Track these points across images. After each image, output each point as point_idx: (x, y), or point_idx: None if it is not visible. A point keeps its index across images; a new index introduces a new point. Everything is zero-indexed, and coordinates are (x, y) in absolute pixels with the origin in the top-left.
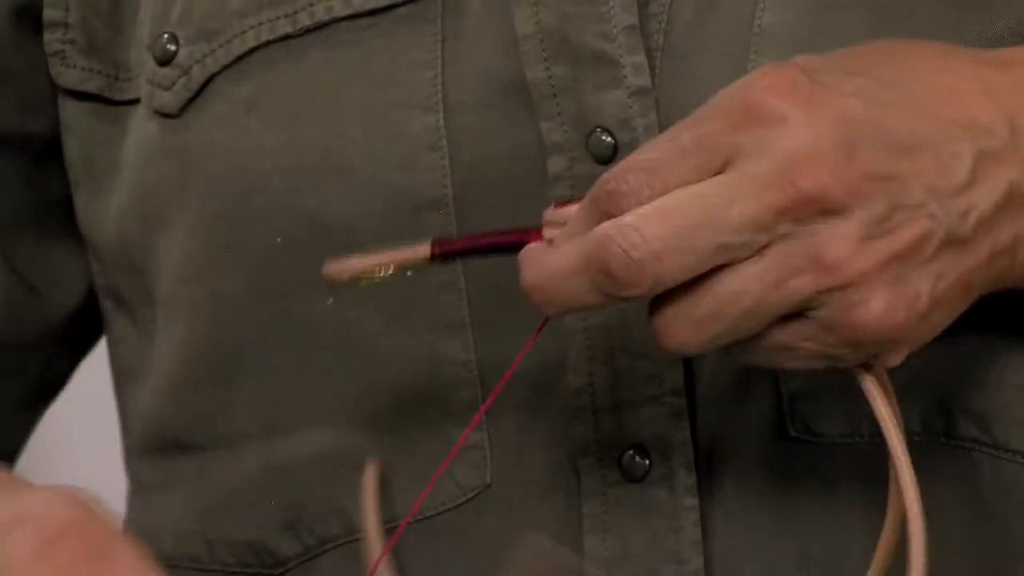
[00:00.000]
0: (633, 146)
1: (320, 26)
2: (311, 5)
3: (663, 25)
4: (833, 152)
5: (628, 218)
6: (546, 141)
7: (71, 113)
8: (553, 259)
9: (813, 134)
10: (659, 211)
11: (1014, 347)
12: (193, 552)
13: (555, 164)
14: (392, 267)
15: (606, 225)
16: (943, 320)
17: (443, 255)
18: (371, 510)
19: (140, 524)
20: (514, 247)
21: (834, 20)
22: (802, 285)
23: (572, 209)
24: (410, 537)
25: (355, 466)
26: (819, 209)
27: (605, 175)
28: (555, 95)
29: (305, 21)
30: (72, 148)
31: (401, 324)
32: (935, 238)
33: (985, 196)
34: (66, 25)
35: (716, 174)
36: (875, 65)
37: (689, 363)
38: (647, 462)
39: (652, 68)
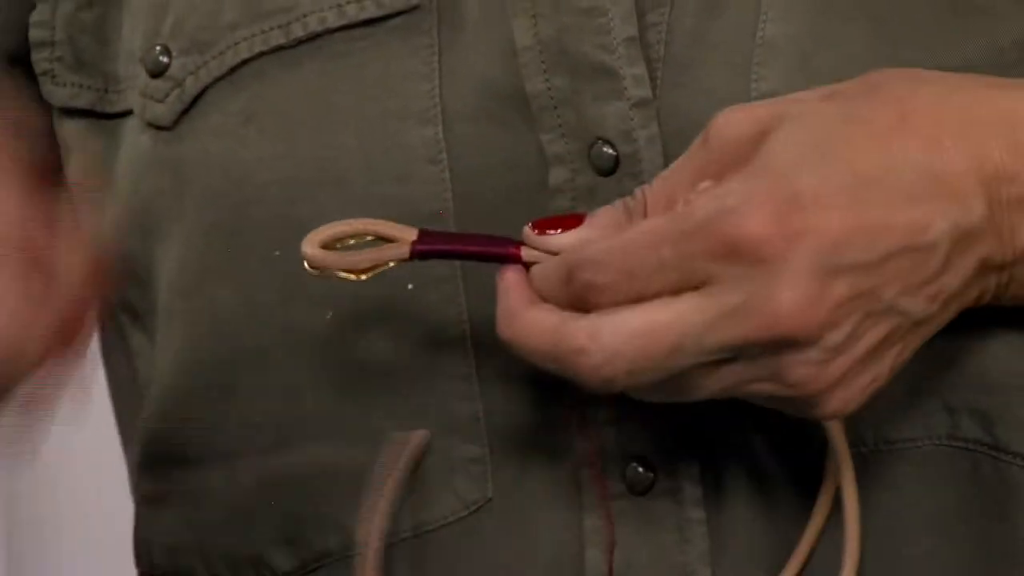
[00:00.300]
0: (635, 157)
1: (313, 37)
2: (304, 16)
3: (663, 35)
4: (808, 293)
5: (606, 338)
6: (547, 153)
7: (69, 132)
8: (528, 330)
9: (790, 276)
10: (635, 334)
11: (1016, 348)
12: (190, 566)
13: (556, 176)
14: (369, 266)
15: (581, 335)
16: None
17: (422, 254)
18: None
19: (141, 537)
20: (494, 259)
21: (836, 31)
22: (764, 389)
23: (552, 242)
24: (411, 551)
25: (354, 480)
26: (787, 345)
27: (589, 255)
28: (555, 107)
29: (298, 32)
30: (74, 168)
31: (401, 337)
32: (900, 331)
33: (956, 277)
34: (52, 44)
35: (692, 288)
36: (862, 152)
37: None
38: (651, 474)
39: (653, 79)
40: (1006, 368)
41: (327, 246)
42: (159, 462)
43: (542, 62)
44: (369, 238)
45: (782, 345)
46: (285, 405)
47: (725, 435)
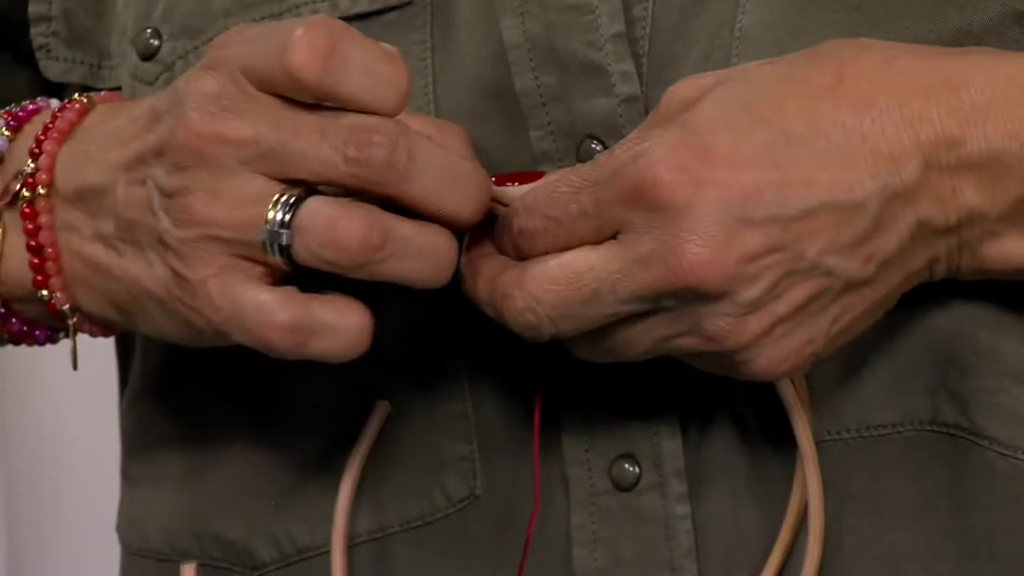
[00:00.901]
0: None
1: None
2: (297, 7)
3: (647, 31)
4: (713, 243)
5: (529, 284)
6: (536, 150)
7: None
8: (476, 278)
9: (695, 224)
10: (554, 281)
11: (997, 333)
12: (183, 546)
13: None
14: None
15: (510, 281)
16: (849, 338)
17: None
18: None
19: (130, 518)
20: None
21: (812, 18)
22: (688, 344)
23: (508, 193)
24: (399, 547)
25: (337, 473)
26: (697, 295)
27: (524, 201)
28: (544, 104)
29: None
30: None
31: (391, 333)
32: (831, 291)
33: (888, 240)
34: (49, 19)
35: (611, 236)
36: (792, 111)
37: (677, 371)
38: (637, 470)
39: (639, 75)
40: (982, 351)
41: None
42: (152, 444)
43: (531, 60)
44: None
45: (693, 296)
46: (277, 395)
47: (710, 430)
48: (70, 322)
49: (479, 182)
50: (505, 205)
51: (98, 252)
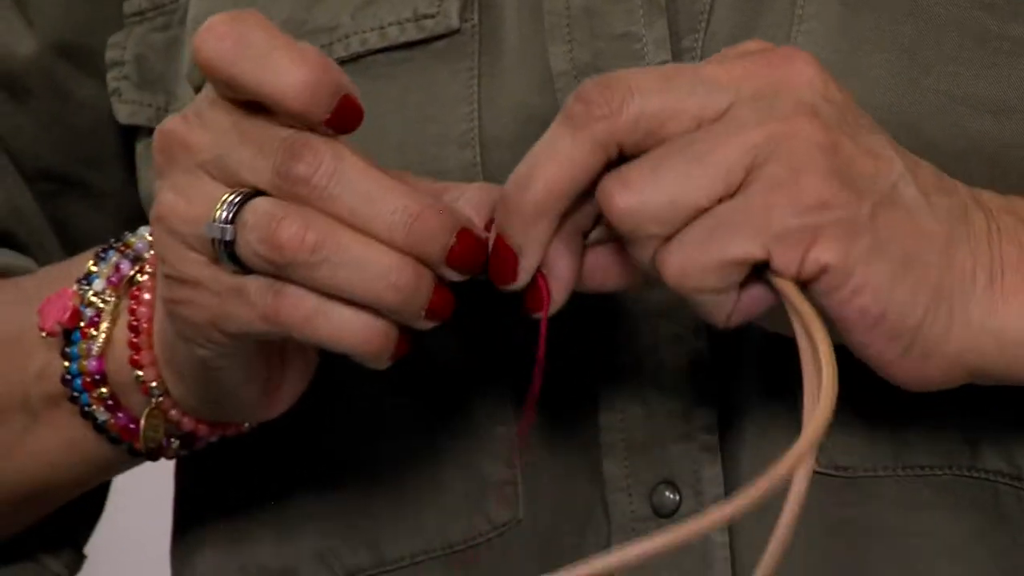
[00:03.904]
0: None
1: (356, 58)
2: (347, 37)
3: (696, 61)
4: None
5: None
6: None
7: (137, 151)
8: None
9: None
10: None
11: None
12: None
13: None
14: None
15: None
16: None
17: None
18: None
19: (179, 553)
20: None
21: (865, 59)
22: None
23: None
24: (439, 571)
25: (392, 498)
26: None
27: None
28: None
29: (340, 53)
30: (144, 182)
31: (437, 360)
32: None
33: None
34: (123, 63)
35: None
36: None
37: (719, 400)
38: (677, 497)
39: None
40: None
41: None
42: (201, 470)
43: None
44: None
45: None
46: (325, 421)
47: (749, 459)
48: (154, 401)
49: (408, 208)
50: None
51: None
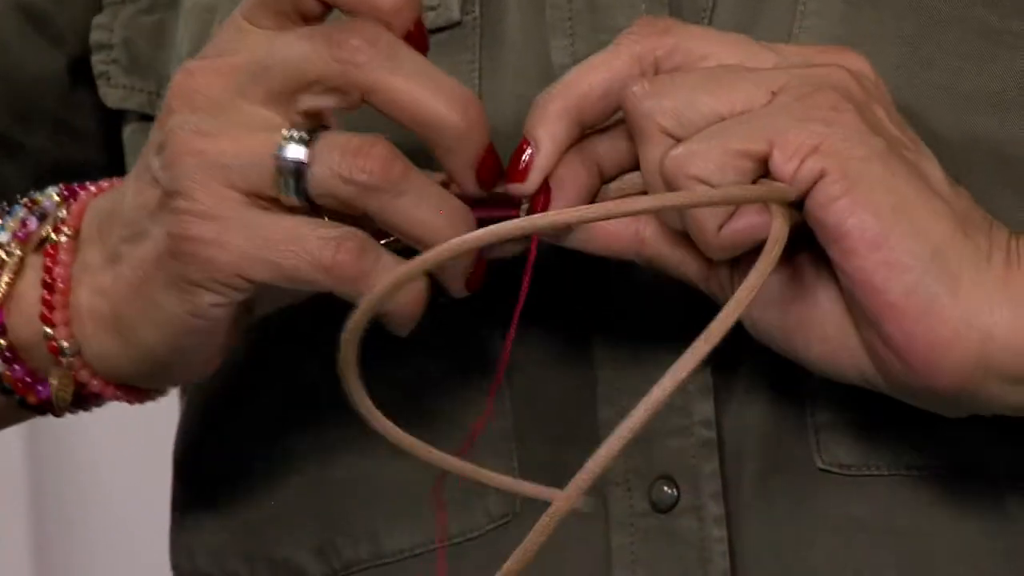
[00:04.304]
0: None
1: None
2: None
3: None
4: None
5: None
6: None
7: (125, 135)
8: None
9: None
10: None
11: None
12: (231, 568)
13: None
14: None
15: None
16: None
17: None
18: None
19: (181, 542)
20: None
21: (866, 54)
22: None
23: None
24: (438, 563)
25: (391, 491)
26: None
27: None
28: None
29: None
30: (132, 166)
31: (433, 353)
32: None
33: None
34: (110, 46)
35: None
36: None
37: (718, 394)
38: (675, 492)
39: None
40: None
41: None
42: (197, 467)
43: None
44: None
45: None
46: (326, 413)
47: (748, 455)
48: (64, 361)
49: (463, 96)
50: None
51: (106, 277)
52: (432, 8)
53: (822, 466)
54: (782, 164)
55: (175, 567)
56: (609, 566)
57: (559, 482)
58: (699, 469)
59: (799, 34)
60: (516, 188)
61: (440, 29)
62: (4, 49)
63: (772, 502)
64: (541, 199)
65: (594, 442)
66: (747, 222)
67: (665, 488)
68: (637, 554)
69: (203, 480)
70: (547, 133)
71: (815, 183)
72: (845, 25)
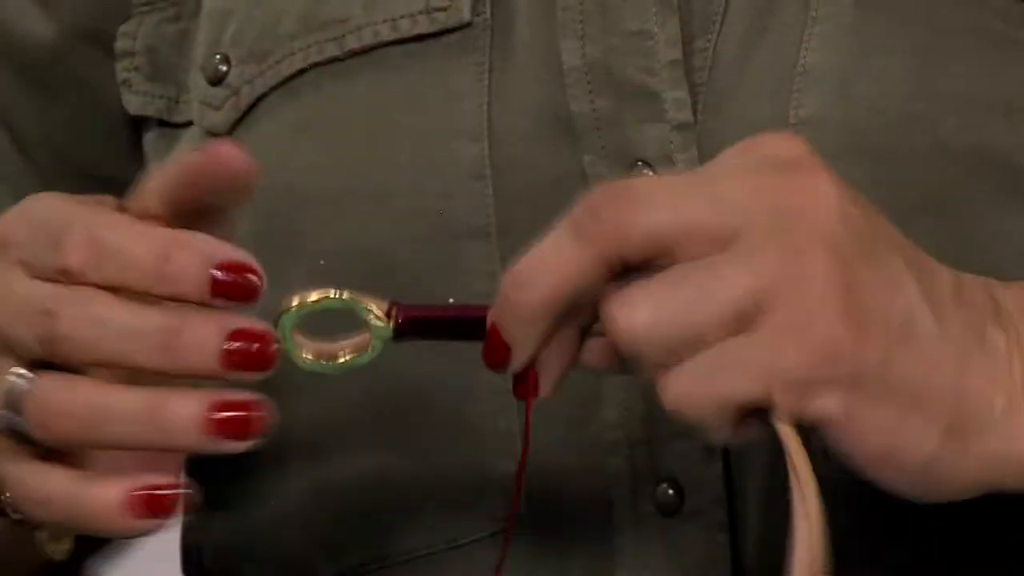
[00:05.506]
0: None
1: (368, 50)
2: (359, 29)
3: (708, 61)
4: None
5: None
6: (588, 174)
7: (146, 141)
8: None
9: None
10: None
11: None
12: (238, 568)
13: None
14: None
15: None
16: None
17: (405, 325)
18: None
19: (190, 542)
20: (475, 322)
21: (877, 62)
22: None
23: None
24: (442, 566)
25: (397, 492)
26: None
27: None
28: (598, 128)
29: (352, 44)
30: None
31: (439, 352)
32: None
33: None
34: (133, 54)
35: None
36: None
37: None
38: (679, 496)
39: (695, 104)
40: None
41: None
42: (206, 467)
43: (588, 83)
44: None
45: None
46: (331, 413)
47: (751, 459)
48: None
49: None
50: None
51: None
52: (442, 9)
53: (827, 472)
54: (785, 414)
55: (185, 566)
56: (613, 569)
57: (560, 484)
58: (703, 473)
59: (810, 40)
60: (497, 372)
61: (450, 30)
62: (80, 83)
63: (776, 508)
64: (525, 379)
65: (598, 445)
66: (750, 432)
67: (669, 491)
68: (640, 557)
69: (211, 479)
70: (524, 336)
71: (819, 423)
72: (856, 31)
